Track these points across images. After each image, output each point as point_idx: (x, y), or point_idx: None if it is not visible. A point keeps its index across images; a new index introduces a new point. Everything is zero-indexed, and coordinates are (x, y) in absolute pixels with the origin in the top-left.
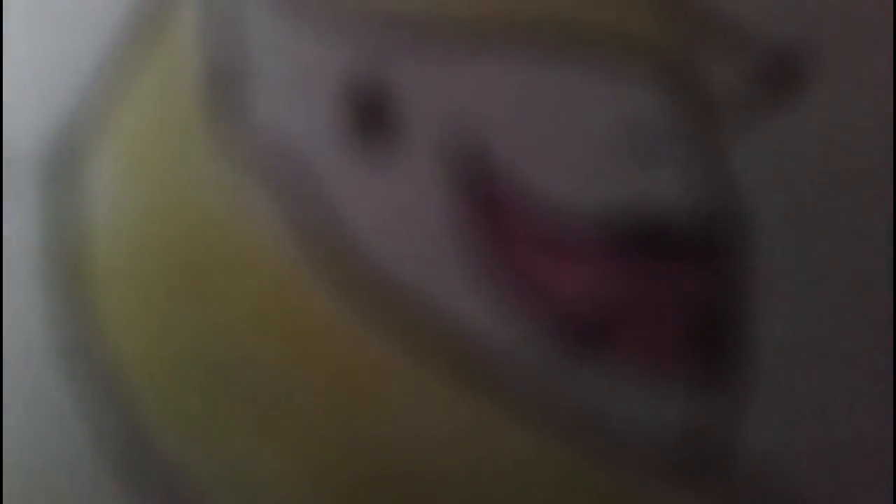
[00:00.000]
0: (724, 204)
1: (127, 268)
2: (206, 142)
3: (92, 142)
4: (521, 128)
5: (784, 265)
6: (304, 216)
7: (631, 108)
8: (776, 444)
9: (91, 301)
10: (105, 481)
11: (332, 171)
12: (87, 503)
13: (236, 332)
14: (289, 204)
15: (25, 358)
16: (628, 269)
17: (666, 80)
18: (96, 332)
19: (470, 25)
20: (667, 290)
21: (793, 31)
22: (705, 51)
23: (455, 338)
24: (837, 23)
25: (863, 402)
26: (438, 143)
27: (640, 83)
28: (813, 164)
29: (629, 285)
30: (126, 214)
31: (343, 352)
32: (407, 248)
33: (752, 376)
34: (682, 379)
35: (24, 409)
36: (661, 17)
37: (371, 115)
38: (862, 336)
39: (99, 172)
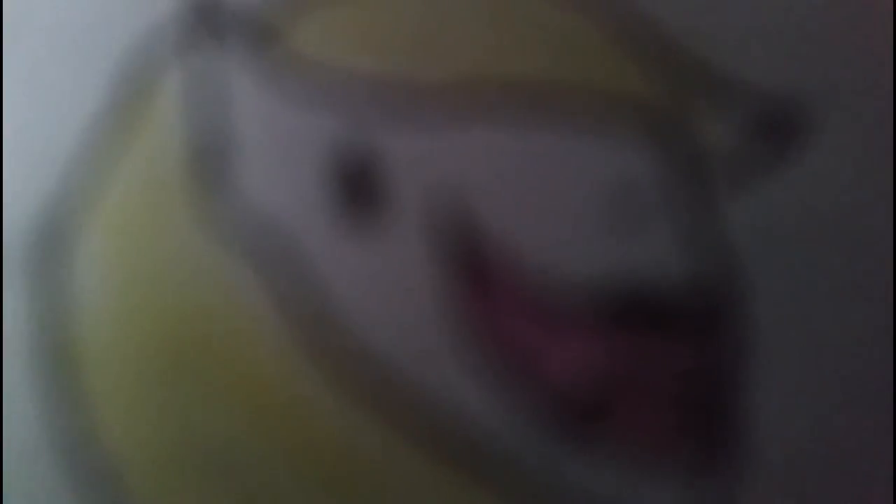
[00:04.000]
0: (718, 269)
1: (115, 352)
2: (191, 219)
3: (77, 224)
4: (509, 194)
5: (782, 333)
6: (290, 291)
7: (621, 168)
8: None
9: (82, 389)
10: None
11: (318, 244)
12: None
13: (224, 415)
14: (275, 278)
15: (19, 452)
16: (622, 344)
17: (656, 137)
18: (89, 421)
19: (455, 90)
20: (662, 365)
21: (788, 84)
22: (696, 106)
23: (445, 417)
24: (835, 75)
25: (865, 480)
26: (426, 212)
27: (630, 142)
28: (812, 224)
29: (623, 362)
30: (113, 297)
31: (331, 432)
32: (395, 323)
33: (751, 456)
34: (678, 461)
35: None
36: (650, 72)
37: (358, 186)
38: (864, 409)
39: (85, 256)
